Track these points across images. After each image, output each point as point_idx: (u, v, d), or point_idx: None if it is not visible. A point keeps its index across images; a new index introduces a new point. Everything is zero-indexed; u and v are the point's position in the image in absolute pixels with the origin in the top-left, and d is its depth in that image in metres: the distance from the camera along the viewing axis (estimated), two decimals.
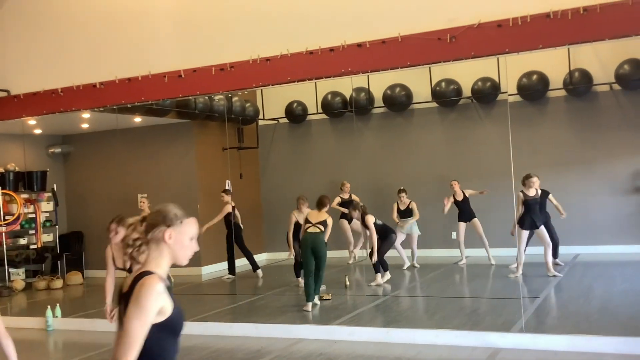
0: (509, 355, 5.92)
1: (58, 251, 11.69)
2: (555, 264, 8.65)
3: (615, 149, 9.05)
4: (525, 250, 8.53)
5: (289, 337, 6.89)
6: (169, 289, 2.47)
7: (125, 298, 2.34)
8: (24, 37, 9.02)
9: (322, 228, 7.93)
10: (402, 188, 9.74)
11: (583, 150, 9.27)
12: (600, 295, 7.30)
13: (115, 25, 8.35)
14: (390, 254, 9.12)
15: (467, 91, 9.70)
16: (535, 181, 8.47)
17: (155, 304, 2.28)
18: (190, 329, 7.57)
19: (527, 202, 8.42)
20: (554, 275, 8.44)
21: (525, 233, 8.44)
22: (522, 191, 8.43)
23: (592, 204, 9.03)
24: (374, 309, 7.93)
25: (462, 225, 9.53)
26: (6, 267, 10.71)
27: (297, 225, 8.80)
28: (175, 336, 2.43)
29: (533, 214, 8.41)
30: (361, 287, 9.19)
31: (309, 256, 7.91)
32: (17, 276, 11.10)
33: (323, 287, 8.75)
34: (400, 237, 9.57)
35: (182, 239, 2.44)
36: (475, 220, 9.41)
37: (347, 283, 9.01)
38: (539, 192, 8.56)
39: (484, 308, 7.77)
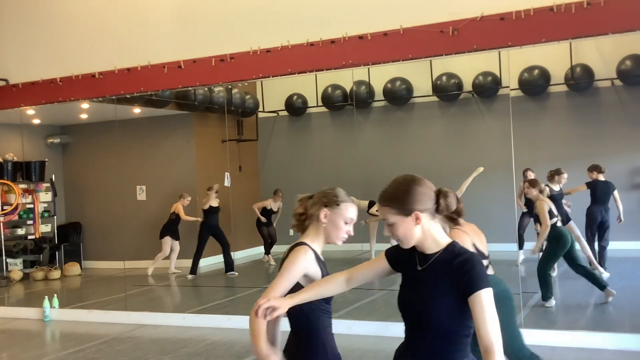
0: None
1: (56, 242, 11.68)
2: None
3: (616, 145, 9.00)
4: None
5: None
6: None
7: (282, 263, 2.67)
8: (22, 26, 8.96)
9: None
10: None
11: (583, 145, 9.23)
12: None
13: (114, 15, 8.30)
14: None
15: (467, 85, 9.66)
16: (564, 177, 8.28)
17: (301, 267, 2.64)
18: (187, 321, 7.59)
19: (553, 197, 8.08)
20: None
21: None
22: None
23: None
24: (372, 303, 7.91)
25: None
26: (4, 258, 10.70)
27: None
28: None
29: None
30: None
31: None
32: (15, 266, 11.08)
33: None
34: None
35: (337, 220, 2.66)
36: None
37: None
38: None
39: None
